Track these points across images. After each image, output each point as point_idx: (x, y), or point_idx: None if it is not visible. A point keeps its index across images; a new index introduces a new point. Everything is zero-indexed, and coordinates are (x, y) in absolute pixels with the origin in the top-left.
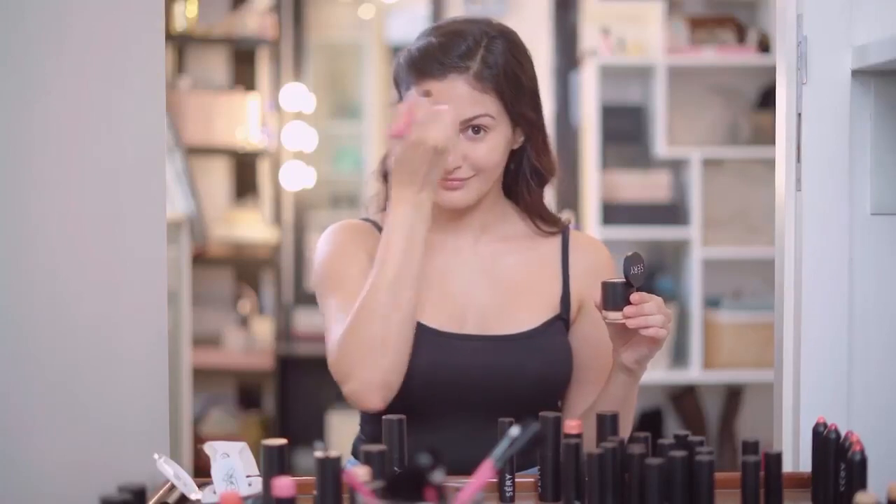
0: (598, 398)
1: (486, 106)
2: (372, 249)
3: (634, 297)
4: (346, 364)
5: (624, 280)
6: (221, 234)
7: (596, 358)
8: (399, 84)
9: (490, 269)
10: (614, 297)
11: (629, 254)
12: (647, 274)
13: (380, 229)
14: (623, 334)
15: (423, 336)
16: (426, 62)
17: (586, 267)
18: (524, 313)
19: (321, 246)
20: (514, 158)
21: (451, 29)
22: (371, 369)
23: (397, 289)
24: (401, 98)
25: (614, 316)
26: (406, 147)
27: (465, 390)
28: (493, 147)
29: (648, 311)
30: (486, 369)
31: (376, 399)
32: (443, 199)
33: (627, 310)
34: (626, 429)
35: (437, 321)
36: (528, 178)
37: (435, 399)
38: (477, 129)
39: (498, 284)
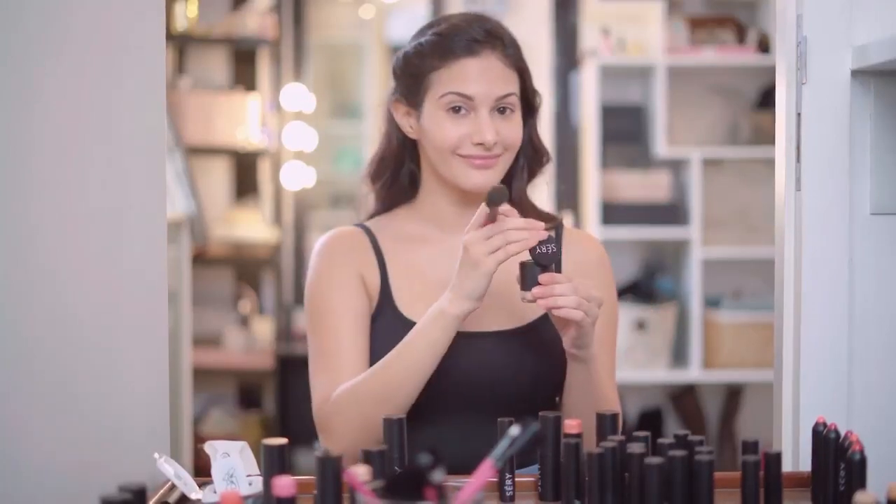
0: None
1: (513, 85)
2: (360, 263)
3: (543, 277)
4: (329, 425)
5: (534, 263)
6: (222, 234)
7: None
8: (409, 75)
9: None
10: (529, 277)
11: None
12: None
13: (371, 235)
14: (558, 319)
15: None
16: (454, 40)
17: (578, 261)
18: (516, 309)
19: (311, 266)
20: None
21: (465, 16)
22: (346, 441)
23: (398, 388)
24: (405, 92)
25: (527, 296)
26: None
27: (462, 387)
28: (518, 124)
29: (559, 291)
30: (482, 365)
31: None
32: (474, 180)
33: (535, 290)
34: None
35: None
36: (524, 166)
37: (433, 397)
38: (503, 109)
39: (492, 282)
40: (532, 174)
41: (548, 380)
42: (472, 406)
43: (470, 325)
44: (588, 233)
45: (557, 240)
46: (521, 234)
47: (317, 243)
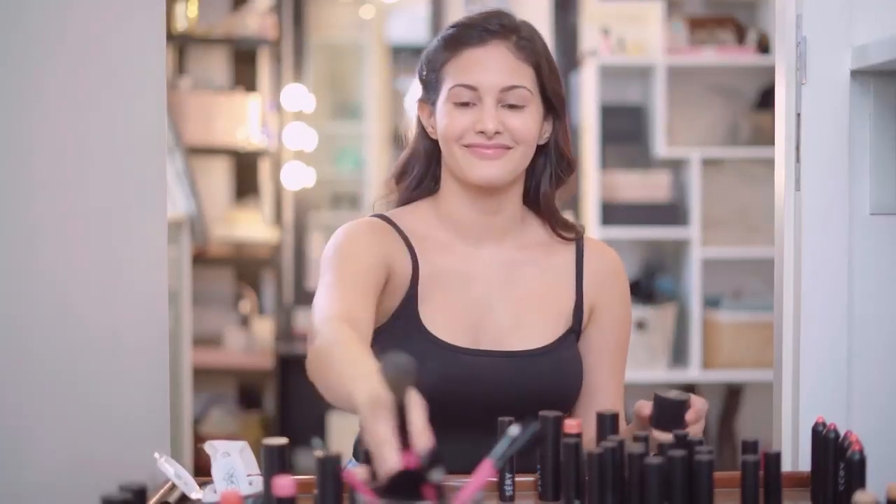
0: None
1: (525, 79)
2: (389, 244)
3: (690, 416)
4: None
5: (680, 400)
6: (222, 234)
7: (599, 364)
8: (429, 71)
9: (507, 280)
10: (672, 416)
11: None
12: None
13: (392, 224)
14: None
15: (435, 349)
16: (466, 32)
17: (596, 273)
18: (539, 328)
19: (338, 235)
20: (539, 152)
21: (488, 11)
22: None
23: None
24: (425, 91)
25: (664, 437)
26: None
27: (475, 405)
28: (531, 120)
29: (697, 431)
30: (498, 385)
31: None
32: (479, 172)
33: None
34: None
35: (451, 334)
36: (552, 174)
37: (444, 411)
38: (513, 104)
39: (514, 297)
40: (560, 181)
41: (559, 400)
42: (482, 423)
43: (488, 345)
44: (603, 243)
45: (579, 253)
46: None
47: (341, 228)
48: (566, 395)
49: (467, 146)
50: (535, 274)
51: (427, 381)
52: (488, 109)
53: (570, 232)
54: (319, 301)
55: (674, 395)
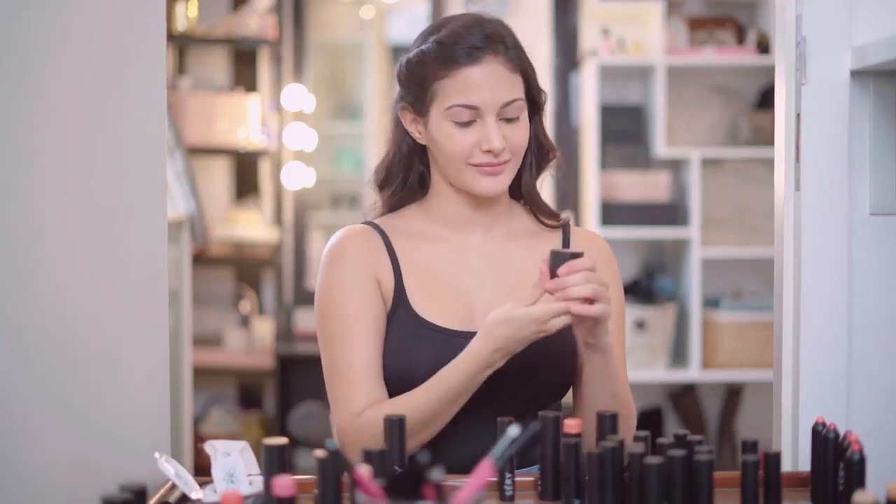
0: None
1: (519, 89)
2: (375, 263)
3: (562, 269)
4: (357, 442)
5: (570, 252)
6: (222, 234)
7: None
8: (414, 84)
9: (497, 265)
10: (553, 266)
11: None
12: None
13: (381, 232)
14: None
15: (430, 334)
16: (454, 50)
17: None
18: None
19: (322, 270)
20: None
21: (464, 20)
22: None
23: (429, 419)
24: (411, 100)
25: (548, 285)
26: (538, 327)
27: None
28: (525, 129)
29: (571, 282)
30: None
31: None
32: (484, 187)
33: (548, 284)
34: (626, 423)
35: (445, 319)
36: (531, 164)
37: None
38: (509, 117)
39: (504, 281)
40: (540, 169)
41: (556, 380)
42: (478, 405)
43: (481, 323)
44: (592, 230)
45: (565, 239)
46: (584, 289)
47: (327, 245)
48: (561, 374)
49: (475, 165)
50: (523, 259)
51: (423, 366)
52: (493, 128)
53: (552, 219)
54: (339, 391)
55: (567, 250)
